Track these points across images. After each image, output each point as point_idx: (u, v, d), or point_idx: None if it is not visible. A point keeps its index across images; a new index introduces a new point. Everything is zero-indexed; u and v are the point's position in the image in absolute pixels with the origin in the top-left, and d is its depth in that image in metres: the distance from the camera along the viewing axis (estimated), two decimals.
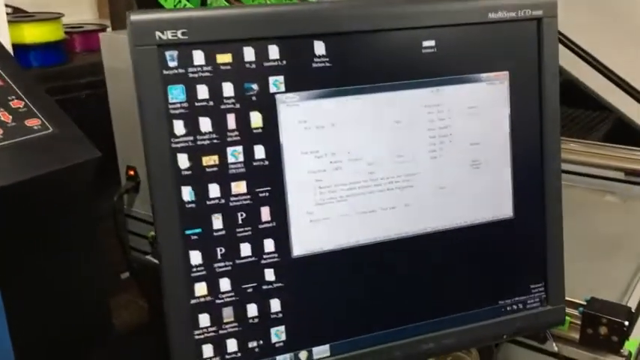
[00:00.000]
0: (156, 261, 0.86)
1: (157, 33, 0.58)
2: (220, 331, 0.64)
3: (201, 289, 0.63)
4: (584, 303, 0.81)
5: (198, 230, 0.62)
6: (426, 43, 0.67)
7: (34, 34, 1.30)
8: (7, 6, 1.22)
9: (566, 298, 0.76)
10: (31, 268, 0.77)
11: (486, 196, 0.72)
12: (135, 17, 0.58)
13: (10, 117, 0.80)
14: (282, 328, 0.66)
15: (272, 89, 0.63)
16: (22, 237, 0.75)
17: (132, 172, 1.08)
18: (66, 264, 0.82)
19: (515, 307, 0.74)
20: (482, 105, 0.70)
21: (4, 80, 0.84)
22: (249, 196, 0.63)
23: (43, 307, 0.78)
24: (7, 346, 0.67)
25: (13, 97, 0.82)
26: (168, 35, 0.59)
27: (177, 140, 0.61)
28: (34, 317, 0.75)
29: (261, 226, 0.64)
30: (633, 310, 0.80)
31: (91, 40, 1.48)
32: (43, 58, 1.28)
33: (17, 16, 1.33)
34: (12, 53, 1.04)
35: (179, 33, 0.59)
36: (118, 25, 1.37)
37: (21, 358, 0.66)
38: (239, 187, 0.63)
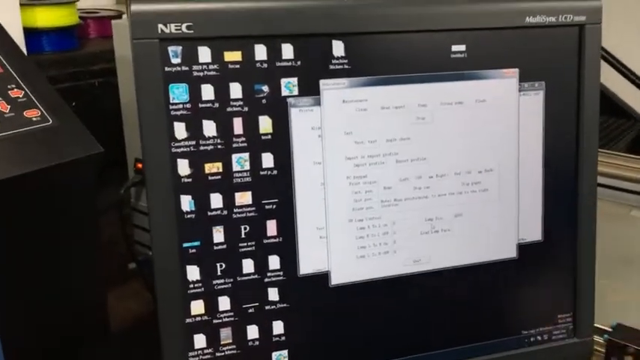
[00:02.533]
0: None
1: (160, 26, 0.53)
2: (217, 354, 0.59)
3: (198, 307, 0.58)
4: (609, 329, 0.75)
5: (196, 243, 0.57)
6: (455, 47, 0.61)
7: (46, 18, 1.25)
8: None
9: None
10: (26, 267, 0.73)
11: (512, 219, 0.66)
12: (135, 7, 0.53)
13: (8, 107, 0.75)
14: (285, 352, 0.61)
15: (284, 92, 0.57)
16: (17, 234, 0.71)
17: (140, 165, 1.04)
18: (62, 262, 0.78)
19: (539, 337, 0.68)
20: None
21: (4, 67, 0.79)
22: (254, 208, 0.58)
23: (36, 305, 0.74)
24: None
25: (13, 85, 0.78)
26: (171, 29, 0.53)
27: (177, 144, 0.55)
28: (27, 317, 0.72)
29: (266, 241, 0.59)
30: None
31: (105, 26, 1.43)
32: (55, 43, 1.24)
33: None
34: (23, 37, 1.00)
35: (184, 27, 0.54)
36: None
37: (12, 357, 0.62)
38: (244, 198, 0.58)
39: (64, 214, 0.77)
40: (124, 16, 1.36)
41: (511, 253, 0.66)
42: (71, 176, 0.77)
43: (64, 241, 0.76)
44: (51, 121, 0.75)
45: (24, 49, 0.96)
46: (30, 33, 1.11)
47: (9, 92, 0.76)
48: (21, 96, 0.76)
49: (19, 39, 0.94)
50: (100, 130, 0.76)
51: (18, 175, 0.69)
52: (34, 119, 0.74)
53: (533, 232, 0.66)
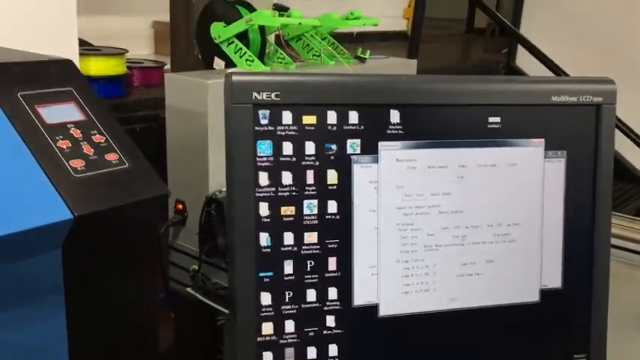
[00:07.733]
0: (195, 294, 0.93)
1: (254, 93, 0.65)
2: None
3: (268, 328, 0.68)
4: None
5: (270, 274, 0.67)
6: (492, 119, 0.73)
7: (99, 67, 1.36)
8: None
9: None
10: (97, 295, 0.81)
11: (536, 267, 0.76)
12: (236, 78, 0.64)
13: (92, 150, 0.84)
14: None
15: (349, 150, 0.69)
16: (92, 265, 0.79)
17: (180, 206, 1.11)
18: (129, 288, 0.86)
19: None
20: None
21: (88, 115, 0.88)
22: (319, 246, 0.69)
23: (102, 334, 0.82)
24: None
25: (95, 132, 0.86)
26: (263, 96, 0.65)
27: (260, 190, 0.66)
28: (93, 344, 0.79)
29: (327, 275, 0.69)
30: None
31: (149, 75, 1.55)
32: (105, 90, 1.34)
33: (85, 49, 1.41)
34: None
35: (273, 95, 0.65)
36: (176, 64, 1.41)
37: None
38: (311, 237, 0.68)
39: (132, 244, 0.86)
40: (167, 67, 1.46)
41: (534, 297, 0.76)
42: (141, 212, 0.86)
43: (130, 269, 0.85)
44: (127, 164, 0.85)
45: None
46: None
47: (92, 137, 0.85)
48: (102, 141, 0.86)
49: None
50: None
51: (102, 210, 0.79)
52: (114, 162, 0.84)
53: (554, 280, 0.76)
